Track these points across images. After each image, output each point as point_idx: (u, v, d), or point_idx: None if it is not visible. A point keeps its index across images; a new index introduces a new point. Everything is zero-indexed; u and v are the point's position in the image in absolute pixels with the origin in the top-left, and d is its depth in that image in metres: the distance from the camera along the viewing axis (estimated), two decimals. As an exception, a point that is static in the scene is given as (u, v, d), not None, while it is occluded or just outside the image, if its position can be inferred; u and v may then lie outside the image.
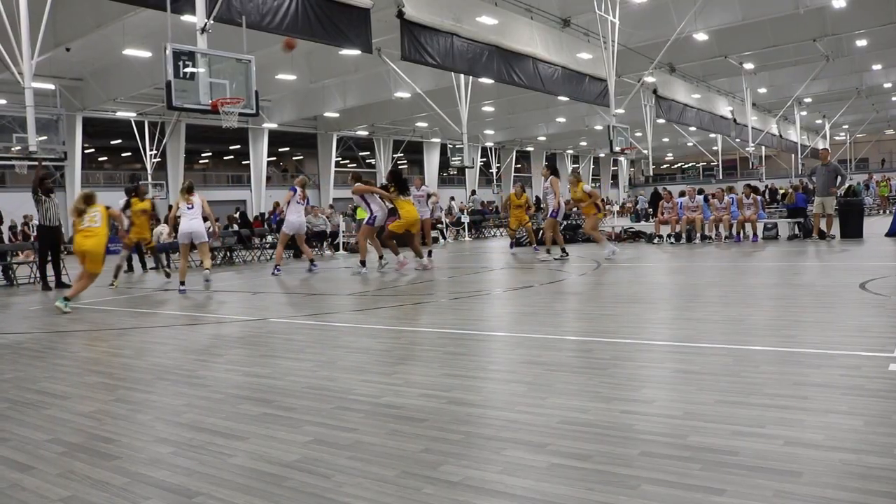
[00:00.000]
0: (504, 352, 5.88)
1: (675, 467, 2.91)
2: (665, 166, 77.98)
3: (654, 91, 32.04)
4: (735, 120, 40.52)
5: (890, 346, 4.89)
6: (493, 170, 51.48)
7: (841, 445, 3.09)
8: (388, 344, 6.24)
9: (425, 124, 42.62)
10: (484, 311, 8.25)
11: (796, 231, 18.04)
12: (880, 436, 3.22)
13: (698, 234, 18.65)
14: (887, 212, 31.96)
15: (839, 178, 17.15)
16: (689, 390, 4.14)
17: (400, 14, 17.78)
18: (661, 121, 34.61)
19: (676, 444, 3.19)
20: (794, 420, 3.45)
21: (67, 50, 21.63)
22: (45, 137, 14.63)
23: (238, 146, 41.87)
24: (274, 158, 43.66)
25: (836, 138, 62.02)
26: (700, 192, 20.88)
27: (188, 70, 11.66)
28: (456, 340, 6.24)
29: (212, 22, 12.61)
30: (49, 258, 13.85)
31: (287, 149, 46.56)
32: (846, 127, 58.70)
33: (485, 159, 51.08)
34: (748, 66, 33.29)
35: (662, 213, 19.41)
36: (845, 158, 61.30)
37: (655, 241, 19.22)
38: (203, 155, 44.88)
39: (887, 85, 40.61)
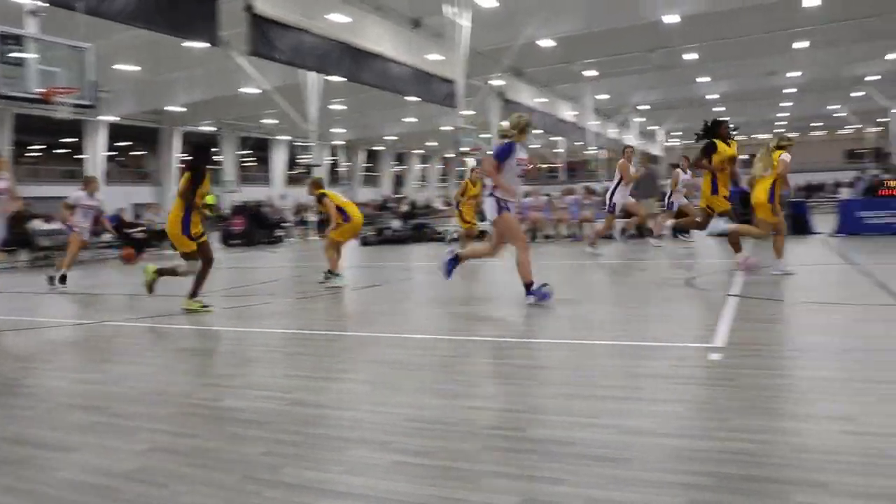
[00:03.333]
0: (350, 351, 5.83)
1: (515, 460, 2.98)
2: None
3: (502, 94, 32.84)
4: (577, 124, 42.16)
5: (710, 337, 5.23)
6: (342, 169, 51.22)
7: (669, 432, 3.27)
8: (230, 346, 6.06)
9: (275, 121, 41.78)
10: (329, 310, 8.17)
11: (632, 231, 18.98)
12: (703, 420, 3.45)
13: (541, 234, 19.32)
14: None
15: (655, 183, 18.71)
16: (531, 384, 4.26)
17: (248, 8, 17.32)
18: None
19: (517, 437, 3.27)
20: (628, 410, 3.62)
21: None
22: None
23: (75, 139, 39.53)
24: (114, 153, 41.54)
25: (670, 143, 65.82)
26: (546, 195, 21.63)
27: (16, 55, 10.91)
28: (301, 340, 6.15)
29: (44, 4, 11.84)
30: None
31: (130, 143, 44.43)
32: (679, 133, 62.42)
33: (335, 158, 50.72)
34: (591, 73, 34.73)
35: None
36: (679, 163, 65.13)
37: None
38: (33, 148, 42.09)
39: (711, 96, 43.60)
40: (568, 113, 41.58)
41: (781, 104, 50.79)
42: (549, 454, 3.02)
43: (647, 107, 47.38)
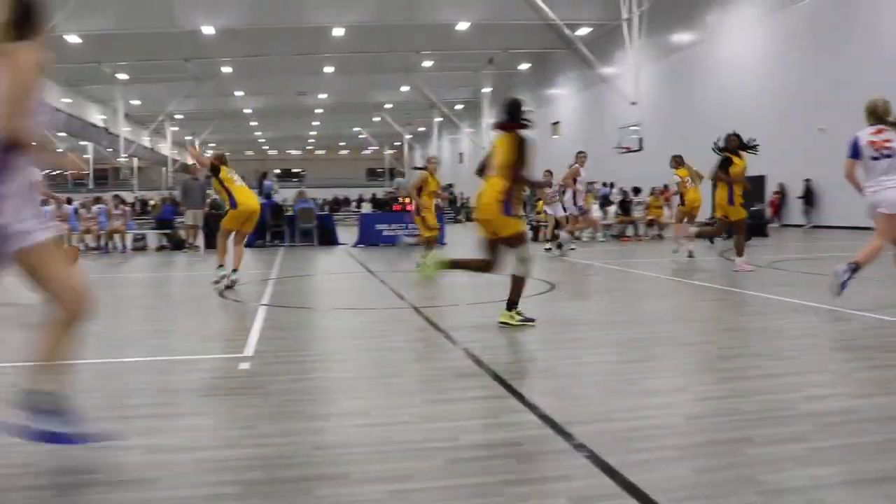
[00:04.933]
0: None
1: (25, 499, 2.71)
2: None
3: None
4: (108, 129, 39.90)
5: (241, 347, 5.34)
6: None
7: (198, 445, 3.26)
8: None
9: None
10: None
11: (164, 242, 18.54)
12: (232, 430, 3.52)
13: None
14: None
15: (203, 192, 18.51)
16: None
17: None
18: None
19: (32, 472, 2.98)
20: (156, 427, 3.52)
21: None
22: None
23: None
24: None
25: (206, 155, 65.78)
26: (69, 200, 20.05)
27: None
28: None
29: None
30: None
31: None
32: (213, 145, 62.57)
33: None
34: (122, 76, 33.13)
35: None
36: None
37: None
38: None
39: (247, 111, 44.63)
40: (97, 117, 39.17)
41: (312, 122, 54.05)
42: (65, 487, 2.81)
43: (182, 116, 46.72)
